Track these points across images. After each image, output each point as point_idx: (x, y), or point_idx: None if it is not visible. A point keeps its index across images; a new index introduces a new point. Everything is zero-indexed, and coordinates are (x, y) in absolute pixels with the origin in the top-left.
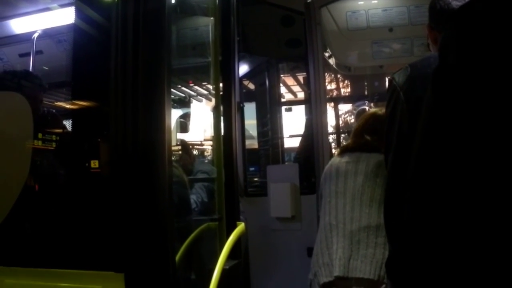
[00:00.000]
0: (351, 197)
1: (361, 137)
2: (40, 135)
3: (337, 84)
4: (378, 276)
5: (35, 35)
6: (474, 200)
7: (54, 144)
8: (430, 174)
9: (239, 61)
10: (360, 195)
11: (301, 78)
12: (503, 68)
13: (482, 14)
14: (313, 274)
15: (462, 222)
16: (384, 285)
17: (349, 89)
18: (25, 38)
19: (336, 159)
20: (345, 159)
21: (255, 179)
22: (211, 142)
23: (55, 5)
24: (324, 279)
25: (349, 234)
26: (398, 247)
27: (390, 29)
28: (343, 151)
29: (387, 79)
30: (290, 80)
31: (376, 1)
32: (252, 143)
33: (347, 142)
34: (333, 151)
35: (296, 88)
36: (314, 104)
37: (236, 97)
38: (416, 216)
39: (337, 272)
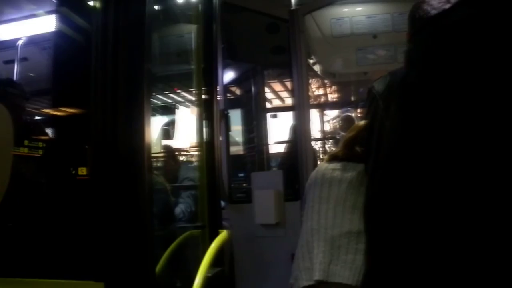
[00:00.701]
0: (334, 203)
1: (352, 149)
2: (21, 143)
3: (323, 90)
4: (357, 281)
5: (20, 42)
6: (444, 215)
7: (33, 153)
8: (394, 190)
9: (224, 68)
10: (343, 201)
11: (287, 84)
12: (464, 91)
13: (448, 34)
14: (294, 278)
15: (430, 240)
16: None
17: (334, 96)
18: (9, 45)
19: (323, 166)
20: (332, 166)
21: (244, 185)
22: (196, 149)
23: (38, 12)
24: (304, 282)
25: (330, 239)
26: (375, 261)
27: (374, 36)
28: (332, 159)
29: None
30: (275, 87)
31: (360, 8)
32: (239, 150)
33: (336, 151)
34: (320, 156)
35: (282, 95)
36: (298, 111)
37: (219, 105)
38: (386, 240)
39: (317, 276)
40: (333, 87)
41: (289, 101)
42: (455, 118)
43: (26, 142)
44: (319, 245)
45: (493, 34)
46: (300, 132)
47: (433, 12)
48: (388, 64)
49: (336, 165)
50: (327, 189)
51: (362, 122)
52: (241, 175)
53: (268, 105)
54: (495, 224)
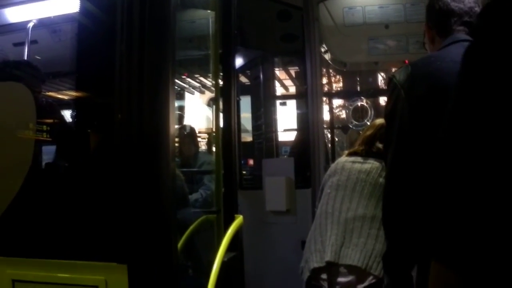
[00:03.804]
0: (351, 190)
1: (371, 146)
2: (42, 127)
3: (333, 79)
4: (366, 265)
5: (30, 24)
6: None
7: (56, 136)
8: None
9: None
10: (361, 189)
11: (294, 72)
12: None
13: None
14: (305, 261)
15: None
16: (371, 277)
17: (343, 85)
18: (21, 27)
19: (343, 158)
20: (352, 159)
21: (245, 172)
22: (206, 135)
23: None
24: (315, 264)
25: (343, 221)
26: (396, 242)
27: (386, 26)
28: (352, 154)
29: (380, 76)
30: (284, 75)
31: None
32: (247, 137)
33: (356, 148)
34: (329, 145)
35: (290, 83)
36: (311, 99)
37: (235, 91)
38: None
39: (328, 257)
40: (340, 77)
41: (296, 89)
42: None
43: (46, 128)
44: (332, 227)
45: None
46: (312, 120)
47: (453, 4)
48: (399, 55)
49: (356, 158)
50: (345, 177)
51: (380, 120)
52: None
53: (277, 92)
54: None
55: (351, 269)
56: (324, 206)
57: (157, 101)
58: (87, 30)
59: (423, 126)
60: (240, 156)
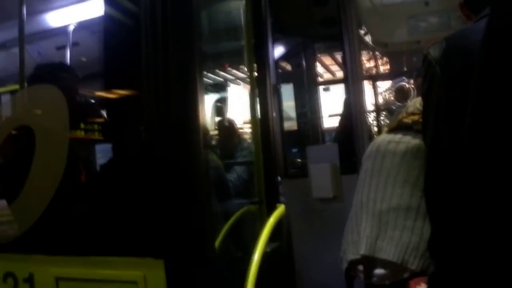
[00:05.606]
0: (386, 176)
1: (411, 115)
2: (77, 126)
3: (375, 61)
4: (402, 260)
5: (70, 27)
6: None
7: (90, 133)
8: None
9: (274, 42)
10: (395, 174)
11: (338, 57)
12: None
13: None
14: (343, 251)
15: None
16: (409, 271)
17: (387, 66)
18: (59, 31)
19: (380, 137)
20: (389, 138)
21: (298, 160)
22: (248, 125)
23: None
24: (351, 256)
25: (378, 213)
26: (440, 227)
27: (426, 3)
28: (391, 130)
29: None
30: (327, 60)
31: None
32: (292, 125)
33: (398, 120)
34: (375, 129)
35: (334, 67)
36: (351, 83)
37: (271, 79)
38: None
39: (363, 250)
40: (384, 58)
41: (340, 74)
42: None
43: (82, 125)
44: (367, 218)
45: None
46: (354, 104)
47: None
48: (441, 32)
49: (393, 137)
50: (380, 162)
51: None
52: (295, 150)
53: (320, 78)
54: None
55: (386, 263)
56: (359, 195)
57: (184, 91)
58: (110, 29)
59: (461, 104)
60: (284, 145)
